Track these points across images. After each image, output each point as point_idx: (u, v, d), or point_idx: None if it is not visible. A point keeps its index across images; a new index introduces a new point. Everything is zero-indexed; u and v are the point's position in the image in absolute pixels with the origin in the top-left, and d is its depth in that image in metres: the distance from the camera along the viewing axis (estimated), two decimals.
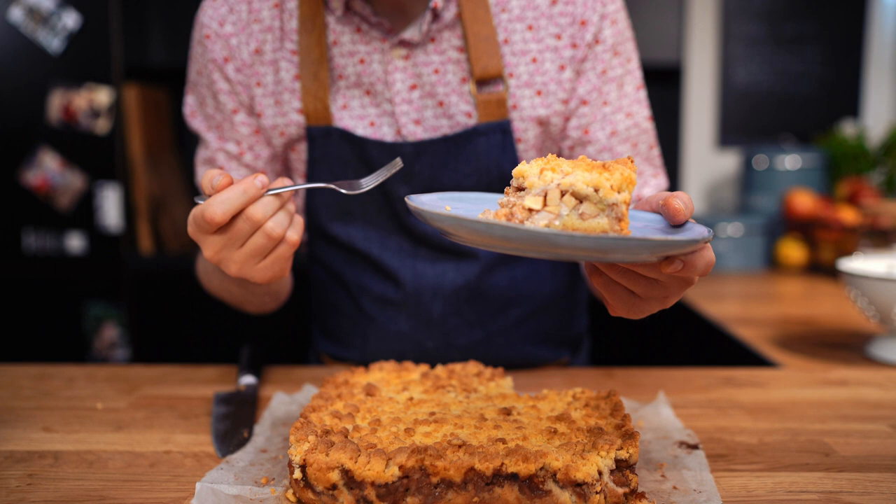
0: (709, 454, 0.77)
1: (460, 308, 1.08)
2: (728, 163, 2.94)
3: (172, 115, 2.75)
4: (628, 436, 0.66)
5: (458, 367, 0.91)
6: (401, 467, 0.62)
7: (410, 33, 1.00)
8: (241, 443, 0.80)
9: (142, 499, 0.68)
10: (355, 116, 1.04)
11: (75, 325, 2.46)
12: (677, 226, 0.66)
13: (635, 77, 1.07)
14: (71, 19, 2.33)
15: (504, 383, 0.87)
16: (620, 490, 0.64)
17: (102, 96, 2.36)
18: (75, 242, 2.41)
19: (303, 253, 1.24)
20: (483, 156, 1.01)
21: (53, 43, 2.33)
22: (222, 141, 1.09)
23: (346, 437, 0.68)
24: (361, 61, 1.02)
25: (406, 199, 0.65)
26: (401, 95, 1.02)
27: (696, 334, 1.83)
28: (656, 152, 1.10)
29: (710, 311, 1.75)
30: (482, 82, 1.01)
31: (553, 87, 1.03)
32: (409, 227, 1.06)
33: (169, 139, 2.75)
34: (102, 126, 2.37)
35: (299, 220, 0.81)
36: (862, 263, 1.34)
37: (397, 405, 0.78)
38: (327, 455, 0.63)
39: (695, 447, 0.77)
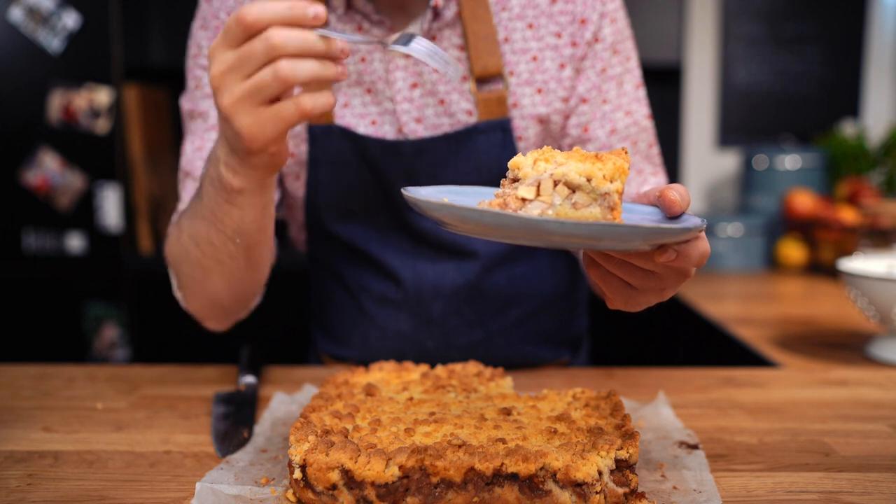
0: (709, 454, 0.77)
1: (460, 308, 1.08)
2: (728, 163, 2.94)
3: (172, 115, 2.75)
4: (628, 436, 0.66)
5: (458, 367, 0.91)
6: (401, 467, 0.62)
7: (411, 31, 1.00)
8: (241, 443, 0.80)
9: (142, 499, 0.68)
10: (356, 115, 1.04)
11: (75, 325, 2.46)
12: (674, 218, 0.66)
13: (634, 75, 1.07)
14: (71, 19, 2.33)
15: (504, 383, 0.87)
16: (620, 490, 0.64)
17: (102, 96, 2.36)
18: (75, 242, 2.41)
19: (303, 253, 1.24)
20: (483, 154, 1.01)
21: (53, 43, 2.33)
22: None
23: (346, 437, 0.68)
24: (362, 60, 1.02)
25: (403, 190, 0.65)
26: (402, 94, 1.02)
27: (696, 334, 1.83)
28: (656, 150, 1.10)
29: (710, 311, 1.75)
30: (482, 80, 1.01)
31: (553, 85, 1.03)
32: (409, 226, 1.06)
33: (169, 139, 2.75)
34: (102, 126, 2.37)
35: (328, 97, 0.70)
36: (862, 263, 1.34)
37: (397, 405, 0.78)
38: (327, 455, 0.63)
39: (695, 447, 0.77)
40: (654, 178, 1.10)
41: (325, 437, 0.66)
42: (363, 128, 1.04)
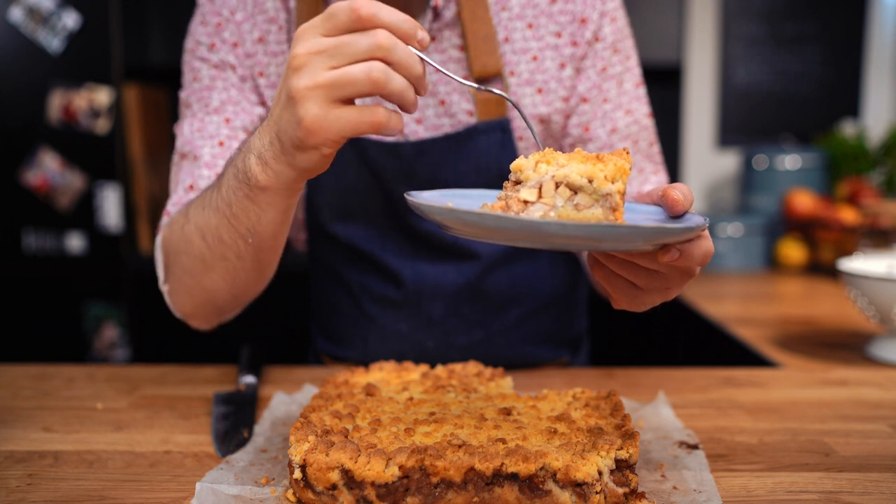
0: (709, 454, 0.77)
1: (461, 308, 1.08)
2: (728, 163, 2.94)
3: (172, 115, 2.75)
4: (628, 436, 0.66)
5: (458, 367, 0.91)
6: (401, 467, 0.62)
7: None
8: (241, 443, 0.80)
9: (142, 499, 0.67)
10: None
11: (75, 325, 2.46)
12: (677, 217, 0.66)
13: (634, 74, 1.07)
14: (71, 19, 2.33)
15: (504, 383, 0.87)
16: (620, 490, 0.64)
17: (102, 96, 2.36)
18: (75, 242, 2.41)
19: (303, 253, 1.24)
20: (483, 154, 1.01)
21: (53, 43, 2.33)
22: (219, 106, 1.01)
23: (346, 437, 0.68)
24: None
25: (406, 195, 0.65)
26: None
27: (696, 334, 1.83)
28: (656, 149, 1.10)
29: (710, 311, 1.75)
30: (481, 81, 1.01)
31: (553, 84, 1.03)
32: (409, 227, 1.06)
33: (169, 139, 2.75)
34: (102, 126, 2.37)
35: (400, 121, 0.67)
36: (862, 263, 1.34)
37: (397, 405, 0.78)
38: (327, 455, 0.63)
39: (695, 447, 0.77)
40: (655, 177, 1.10)
41: (325, 437, 0.66)
42: None
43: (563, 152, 1.08)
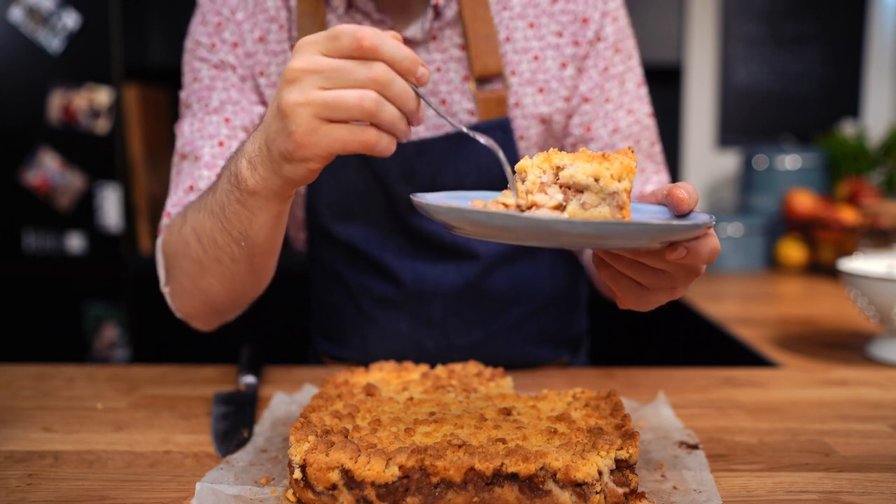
0: (709, 454, 0.77)
1: (461, 308, 1.08)
2: (728, 163, 2.94)
3: (172, 115, 2.75)
4: (628, 436, 0.66)
5: (458, 367, 0.91)
6: (401, 467, 0.62)
7: (412, 31, 1.00)
8: (241, 443, 0.80)
9: (142, 499, 0.67)
10: None
11: (75, 325, 2.46)
12: (683, 216, 0.66)
13: (636, 74, 1.07)
14: (71, 19, 2.33)
15: (504, 383, 0.87)
16: (620, 490, 0.64)
17: (102, 96, 2.36)
18: (75, 242, 2.41)
19: (303, 253, 1.24)
20: (483, 154, 1.01)
21: (53, 43, 2.33)
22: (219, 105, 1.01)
23: (346, 437, 0.68)
24: None
25: (411, 196, 0.65)
26: None
27: (696, 334, 1.83)
28: (658, 149, 1.10)
29: (710, 311, 1.75)
30: (482, 80, 1.01)
31: (555, 84, 1.03)
32: (409, 227, 1.06)
33: (169, 139, 2.75)
34: (102, 126, 2.37)
35: (391, 144, 0.67)
36: (862, 263, 1.34)
37: (397, 405, 0.78)
38: (327, 455, 0.63)
39: (695, 447, 0.77)
40: (656, 177, 1.10)
41: (325, 437, 0.66)
42: None
43: (564, 151, 1.09)
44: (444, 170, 1.02)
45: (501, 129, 1.01)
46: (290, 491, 0.66)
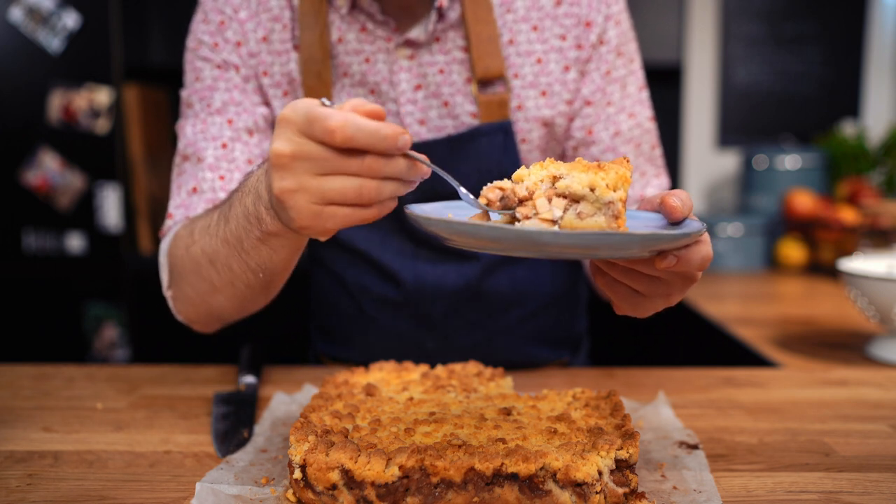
0: (709, 454, 0.77)
1: (461, 309, 1.08)
2: (728, 163, 2.94)
3: (172, 115, 2.75)
4: (628, 436, 0.66)
5: (458, 367, 0.91)
6: (401, 467, 0.62)
7: (416, 33, 1.00)
8: (241, 443, 0.80)
9: (142, 499, 0.68)
10: None
11: (75, 325, 2.46)
12: (677, 224, 0.66)
13: (638, 77, 1.07)
14: (71, 19, 2.33)
15: (504, 383, 0.87)
16: (620, 490, 0.64)
17: (102, 96, 2.36)
18: (75, 242, 2.41)
19: (303, 253, 1.24)
20: (485, 156, 1.01)
21: (53, 43, 2.33)
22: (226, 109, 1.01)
23: (346, 437, 0.68)
24: (367, 60, 1.02)
25: (405, 208, 0.65)
26: (406, 95, 1.02)
27: (696, 334, 1.83)
28: (658, 152, 1.10)
29: (710, 311, 1.75)
30: (484, 83, 1.01)
31: (558, 87, 1.03)
32: (410, 228, 1.06)
33: (169, 139, 2.75)
34: (102, 126, 2.37)
35: (392, 206, 0.67)
36: (862, 263, 1.34)
37: (397, 405, 0.78)
38: (327, 455, 0.63)
39: (695, 447, 0.77)
40: (656, 181, 1.10)
41: (325, 437, 0.66)
42: None
43: (565, 154, 1.09)
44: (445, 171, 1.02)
45: (503, 132, 1.01)
46: (290, 491, 0.66)
